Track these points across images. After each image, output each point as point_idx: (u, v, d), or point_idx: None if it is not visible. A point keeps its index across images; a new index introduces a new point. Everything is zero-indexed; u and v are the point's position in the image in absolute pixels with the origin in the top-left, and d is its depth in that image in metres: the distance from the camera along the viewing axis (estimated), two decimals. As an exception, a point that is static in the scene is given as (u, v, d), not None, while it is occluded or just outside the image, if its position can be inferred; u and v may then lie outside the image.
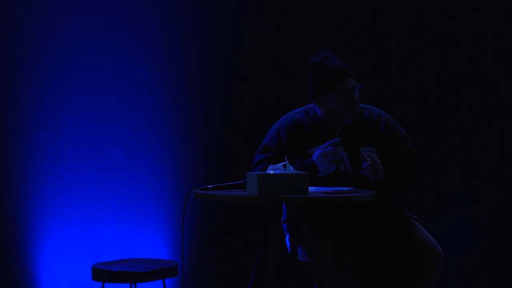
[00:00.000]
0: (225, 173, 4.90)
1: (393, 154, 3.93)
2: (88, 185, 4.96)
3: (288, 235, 3.91)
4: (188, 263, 4.99)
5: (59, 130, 4.94)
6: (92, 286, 4.80)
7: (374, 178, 3.77)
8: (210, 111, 5.03)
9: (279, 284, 3.66)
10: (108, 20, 4.96)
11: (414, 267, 3.82)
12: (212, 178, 4.87)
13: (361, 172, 3.88)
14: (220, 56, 5.04)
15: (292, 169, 3.49)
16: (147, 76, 5.00)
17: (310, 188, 3.55)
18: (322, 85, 3.87)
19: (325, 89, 3.87)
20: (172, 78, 5.02)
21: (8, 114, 4.91)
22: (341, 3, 5.05)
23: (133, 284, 4.12)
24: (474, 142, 5.05)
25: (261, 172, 3.42)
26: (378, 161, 3.77)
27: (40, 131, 4.92)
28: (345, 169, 3.89)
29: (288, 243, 3.89)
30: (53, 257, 4.91)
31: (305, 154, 3.90)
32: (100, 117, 4.96)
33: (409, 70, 5.06)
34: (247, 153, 4.26)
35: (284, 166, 3.48)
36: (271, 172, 3.43)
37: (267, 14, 5.04)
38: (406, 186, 3.95)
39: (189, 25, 5.02)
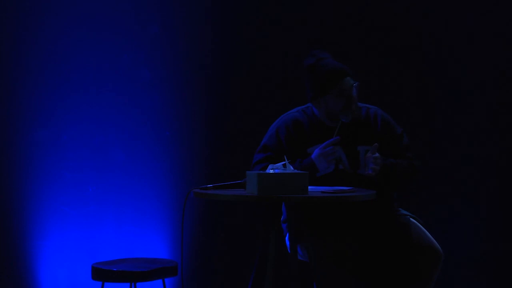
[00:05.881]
0: (225, 172, 4.90)
1: (389, 151, 3.93)
2: (88, 184, 4.96)
3: (288, 234, 3.91)
4: (188, 263, 4.99)
5: (59, 130, 4.94)
6: (92, 286, 4.80)
7: (372, 170, 3.76)
8: (210, 110, 5.03)
9: (279, 284, 3.66)
10: (108, 19, 4.96)
11: (413, 267, 3.82)
12: (212, 177, 4.87)
13: (359, 172, 3.88)
14: (220, 56, 5.04)
15: (292, 168, 3.49)
16: (147, 75, 5.00)
17: (310, 188, 3.55)
18: (320, 87, 3.87)
19: (322, 91, 3.87)
20: (172, 78, 5.02)
21: (8, 113, 4.91)
22: (341, 3, 5.05)
23: (133, 284, 4.12)
24: (474, 142, 5.05)
25: (261, 172, 3.42)
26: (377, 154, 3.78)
27: (40, 131, 4.92)
28: (344, 168, 3.90)
29: (288, 243, 3.89)
30: (53, 257, 4.91)
31: (304, 153, 3.90)
32: (100, 116, 4.97)
33: (410, 69, 5.06)
34: (247, 153, 4.26)
35: (284, 165, 3.48)
36: (271, 171, 3.43)
37: (267, 14, 5.04)
38: (405, 180, 3.94)
39: (189, 25, 5.02)
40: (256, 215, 4.97)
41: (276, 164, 3.50)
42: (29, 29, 4.91)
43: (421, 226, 3.93)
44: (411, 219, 3.94)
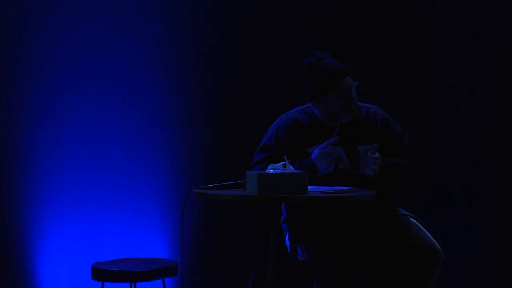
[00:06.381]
0: (225, 172, 4.90)
1: (389, 151, 3.93)
2: (88, 184, 4.96)
3: (288, 234, 3.91)
4: (188, 263, 4.99)
5: (59, 130, 4.94)
6: (92, 286, 4.80)
7: (372, 171, 3.76)
8: (210, 110, 5.03)
9: (279, 284, 3.66)
10: (108, 19, 4.96)
11: (413, 267, 3.82)
12: (212, 177, 4.87)
13: (359, 171, 3.88)
14: (220, 56, 5.04)
15: (292, 168, 3.49)
16: (147, 75, 5.00)
17: (310, 188, 3.54)
18: (320, 86, 3.87)
19: (322, 90, 3.87)
20: (172, 78, 5.02)
21: (8, 113, 4.91)
22: (342, 3, 5.05)
23: (133, 284, 4.12)
24: (474, 141, 5.05)
25: (261, 172, 3.42)
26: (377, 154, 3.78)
27: (40, 131, 4.92)
28: (344, 168, 3.90)
29: (288, 243, 3.89)
30: (53, 257, 4.91)
31: (303, 153, 3.90)
32: (100, 116, 4.97)
33: (410, 69, 5.06)
34: (247, 153, 4.26)
35: (284, 165, 3.48)
36: (271, 171, 3.43)
37: (267, 14, 5.04)
38: (405, 179, 3.93)
39: (189, 25, 5.02)
40: (256, 215, 4.97)
41: (276, 164, 3.50)
42: (29, 29, 4.91)
43: (421, 226, 3.93)
44: (411, 219, 3.94)
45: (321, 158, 3.80)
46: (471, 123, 5.05)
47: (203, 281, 5.04)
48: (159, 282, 4.76)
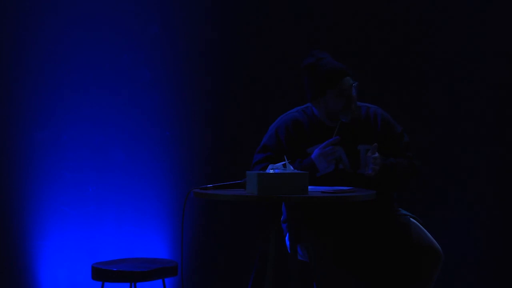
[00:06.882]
0: (225, 172, 4.90)
1: (389, 151, 3.93)
2: (88, 184, 4.96)
3: (288, 234, 3.91)
4: (188, 263, 4.99)
5: (59, 130, 4.94)
6: (92, 286, 4.80)
7: (372, 170, 3.76)
8: (210, 110, 5.03)
9: (279, 284, 3.66)
10: (108, 19, 4.96)
11: (413, 267, 3.82)
12: (212, 177, 4.87)
13: (359, 171, 3.88)
14: (220, 56, 5.04)
15: (292, 168, 3.49)
16: (147, 75, 5.00)
17: (310, 188, 3.55)
18: (320, 86, 3.88)
19: (322, 90, 3.87)
20: (172, 78, 5.02)
21: (8, 113, 4.91)
22: (341, 3, 5.05)
23: (132, 284, 4.12)
24: (474, 142, 5.05)
25: (261, 172, 3.42)
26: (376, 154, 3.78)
27: (40, 131, 4.92)
28: (344, 168, 3.90)
29: (288, 243, 3.89)
30: (53, 257, 4.91)
31: (303, 153, 3.90)
32: (100, 116, 4.97)
33: (410, 69, 5.06)
34: (247, 153, 4.26)
35: (284, 165, 3.49)
36: (271, 171, 3.43)
37: (267, 14, 5.04)
38: (405, 179, 3.93)
39: (189, 25, 5.02)
40: (256, 215, 4.97)
41: (276, 164, 3.50)
42: (29, 29, 4.91)
43: (421, 226, 3.93)
44: (411, 219, 3.94)
45: (321, 158, 3.80)
46: (471, 123, 5.05)
47: (203, 281, 5.04)
48: (159, 282, 4.76)
